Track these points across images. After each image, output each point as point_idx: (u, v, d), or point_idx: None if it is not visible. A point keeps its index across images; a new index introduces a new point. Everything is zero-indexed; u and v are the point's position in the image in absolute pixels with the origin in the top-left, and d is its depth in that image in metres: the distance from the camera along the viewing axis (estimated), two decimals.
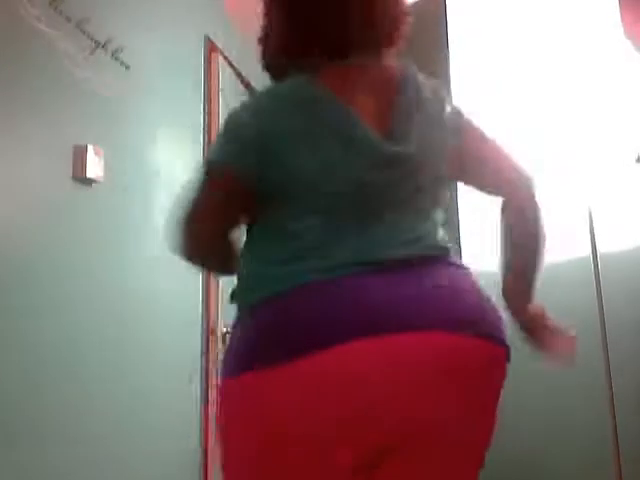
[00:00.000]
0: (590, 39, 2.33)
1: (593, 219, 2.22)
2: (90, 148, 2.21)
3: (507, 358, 1.10)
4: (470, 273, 1.13)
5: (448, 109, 1.20)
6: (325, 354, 0.96)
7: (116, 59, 2.38)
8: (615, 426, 2.06)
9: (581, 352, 2.20)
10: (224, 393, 1.05)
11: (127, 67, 2.42)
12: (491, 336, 1.05)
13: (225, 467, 1.06)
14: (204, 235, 1.19)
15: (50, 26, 2.14)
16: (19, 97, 2.05)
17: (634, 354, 2.06)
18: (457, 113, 1.22)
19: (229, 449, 1.05)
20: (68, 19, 2.20)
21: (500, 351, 1.07)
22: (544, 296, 2.31)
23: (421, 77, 1.20)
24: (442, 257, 1.10)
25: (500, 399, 1.08)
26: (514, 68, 2.56)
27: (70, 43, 2.21)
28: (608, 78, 2.27)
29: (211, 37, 3.01)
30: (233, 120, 1.18)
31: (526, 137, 2.49)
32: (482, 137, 1.23)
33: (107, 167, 2.27)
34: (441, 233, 1.15)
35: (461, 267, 1.13)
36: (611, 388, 2.09)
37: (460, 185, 1.29)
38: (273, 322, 1.01)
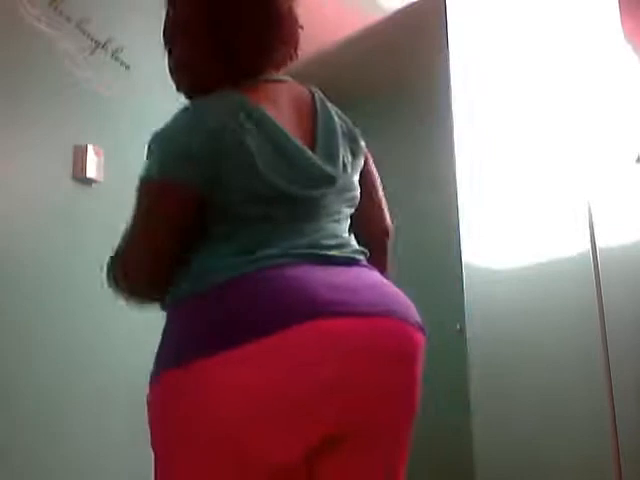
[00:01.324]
0: (590, 39, 2.33)
1: (593, 219, 2.21)
2: (90, 148, 2.21)
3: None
4: (373, 269, 1.18)
5: (354, 132, 1.27)
6: (274, 338, 0.96)
7: (116, 59, 2.38)
8: (614, 422, 2.06)
9: (580, 347, 2.22)
10: (174, 384, 1.01)
11: (127, 67, 2.42)
12: (421, 326, 1.12)
13: (177, 451, 1.02)
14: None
15: (50, 26, 2.14)
16: (19, 97, 2.05)
17: (634, 349, 2.06)
18: (359, 138, 1.29)
19: (182, 434, 1.01)
20: (68, 19, 2.20)
21: (422, 336, 1.12)
22: (543, 291, 2.34)
23: (321, 98, 1.26)
24: (365, 261, 1.17)
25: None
26: (514, 68, 2.56)
27: (70, 43, 2.21)
28: (608, 78, 2.26)
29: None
30: (169, 136, 1.14)
31: (526, 136, 2.49)
32: (373, 170, 1.33)
33: (107, 167, 2.27)
34: (350, 236, 1.22)
35: (366, 264, 1.18)
36: (610, 384, 2.09)
37: (460, 185, 1.31)
38: (216, 310, 1.01)
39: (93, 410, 2.13)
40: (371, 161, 1.33)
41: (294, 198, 1.12)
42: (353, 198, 1.23)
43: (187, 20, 1.23)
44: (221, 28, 1.19)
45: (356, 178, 1.24)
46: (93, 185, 2.25)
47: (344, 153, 1.21)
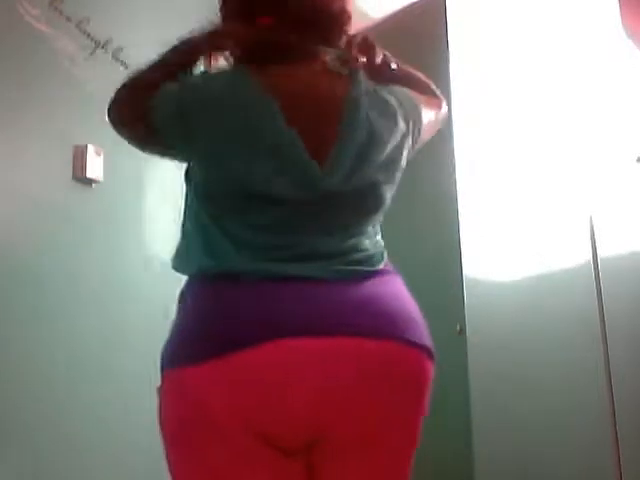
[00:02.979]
0: (590, 40, 2.33)
1: (594, 224, 2.20)
2: (90, 148, 2.21)
3: (430, 359, 1.11)
4: (395, 280, 1.15)
5: (400, 123, 1.18)
6: (254, 351, 1.00)
7: (116, 59, 2.38)
8: (615, 430, 2.06)
9: (581, 357, 2.21)
10: (173, 384, 1.07)
11: (127, 67, 2.42)
12: (410, 341, 1.08)
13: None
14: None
15: (50, 26, 2.15)
16: (19, 97, 2.05)
17: (635, 359, 2.05)
18: (412, 117, 1.22)
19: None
20: (68, 19, 2.20)
21: (419, 353, 1.09)
22: (544, 302, 2.33)
23: (370, 90, 1.18)
24: (367, 271, 1.13)
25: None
26: (514, 69, 2.56)
27: (70, 43, 2.21)
28: (609, 79, 2.26)
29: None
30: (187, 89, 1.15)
31: (527, 140, 2.48)
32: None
33: (107, 167, 2.27)
34: (369, 243, 1.17)
35: (387, 275, 1.15)
36: (611, 392, 2.08)
37: (460, 186, 1.29)
38: (209, 315, 1.06)
39: (97, 415, 2.13)
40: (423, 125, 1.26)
41: (281, 203, 1.09)
42: (371, 205, 1.17)
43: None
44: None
45: (379, 182, 1.16)
46: (93, 185, 2.25)
47: (364, 162, 1.13)
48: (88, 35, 2.27)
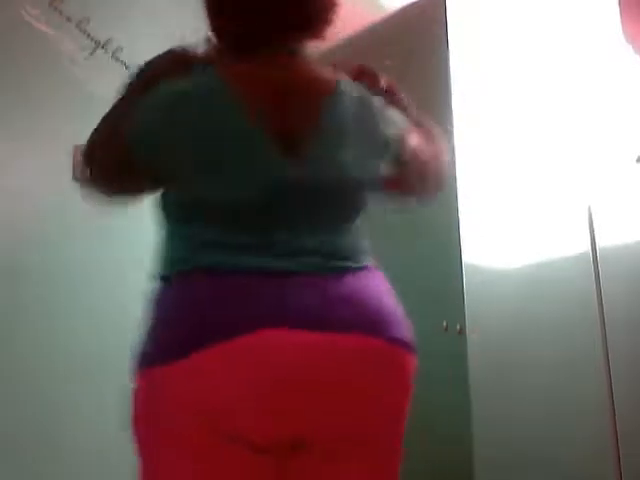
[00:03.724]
0: (590, 40, 2.33)
1: (593, 219, 2.22)
2: None
3: (411, 353, 1.10)
4: (375, 276, 1.14)
5: (380, 124, 1.17)
6: (232, 343, 0.97)
7: (116, 59, 2.38)
8: (615, 421, 2.07)
9: (580, 347, 2.22)
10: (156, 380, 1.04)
11: (127, 67, 2.42)
12: (392, 337, 1.06)
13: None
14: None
15: (50, 26, 2.15)
16: (19, 97, 2.06)
17: (634, 348, 2.06)
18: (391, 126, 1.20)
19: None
20: (68, 19, 2.20)
21: (400, 349, 1.08)
22: (543, 291, 2.34)
23: (350, 88, 1.17)
24: (345, 266, 1.10)
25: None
26: (514, 68, 2.57)
27: (70, 43, 2.21)
28: (608, 80, 2.27)
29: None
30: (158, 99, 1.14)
31: (527, 135, 2.49)
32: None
33: None
34: (347, 241, 1.15)
35: (366, 270, 1.13)
36: (610, 383, 2.09)
37: (460, 185, 1.28)
38: (194, 308, 1.03)
39: (102, 428, 2.13)
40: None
41: (249, 201, 1.08)
42: (350, 200, 1.16)
43: None
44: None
45: (358, 178, 1.15)
46: None
47: (342, 154, 1.12)
48: (88, 35, 2.27)
